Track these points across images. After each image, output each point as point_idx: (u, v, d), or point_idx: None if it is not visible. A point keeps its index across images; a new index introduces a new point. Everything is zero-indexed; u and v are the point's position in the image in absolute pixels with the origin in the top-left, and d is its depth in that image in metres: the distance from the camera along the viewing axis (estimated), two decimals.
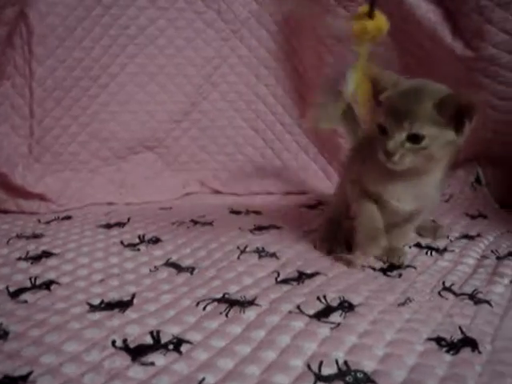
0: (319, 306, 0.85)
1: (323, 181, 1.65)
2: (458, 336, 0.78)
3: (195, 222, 1.30)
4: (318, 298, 0.88)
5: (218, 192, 1.63)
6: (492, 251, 1.14)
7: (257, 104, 1.66)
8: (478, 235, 1.25)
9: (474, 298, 0.91)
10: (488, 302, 0.89)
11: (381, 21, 1.00)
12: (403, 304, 0.87)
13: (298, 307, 0.85)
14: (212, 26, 1.60)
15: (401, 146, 0.92)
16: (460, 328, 0.80)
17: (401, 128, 0.91)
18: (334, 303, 0.86)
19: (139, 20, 1.54)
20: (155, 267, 1.04)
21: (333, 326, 0.80)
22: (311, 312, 0.83)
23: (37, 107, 1.46)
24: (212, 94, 1.64)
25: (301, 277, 0.98)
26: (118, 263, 1.06)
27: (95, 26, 1.48)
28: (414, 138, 0.91)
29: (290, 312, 0.84)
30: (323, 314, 0.83)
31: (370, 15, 0.98)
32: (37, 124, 1.47)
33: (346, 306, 0.85)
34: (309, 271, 1.00)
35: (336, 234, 1.15)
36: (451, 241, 1.22)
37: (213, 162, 1.66)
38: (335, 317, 0.82)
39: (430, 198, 1.07)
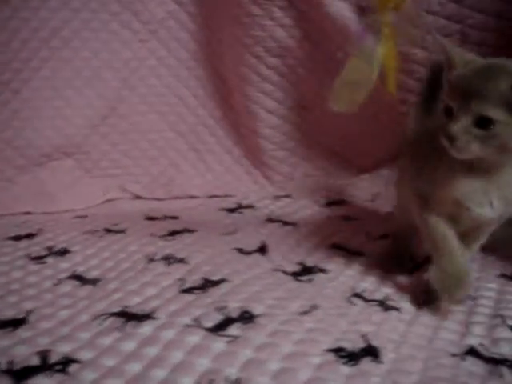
0: (218, 318, 0.82)
1: (248, 183, 1.62)
2: (360, 345, 0.76)
3: (108, 231, 1.25)
4: (218, 309, 0.85)
5: (139, 197, 1.59)
6: None
7: (179, 106, 1.62)
8: None
9: (383, 304, 0.90)
10: (397, 309, 0.88)
11: None
12: (307, 313, 0.85)
13: (196, 320, 0.81)
14: (128, 28, 1.55)
15: (466, 132, 0.75)
16: (364, 336, 0.78)
17: (468, 109, 0.75)
18: (235, 314, 0.83)
19: (51, 22, 1.48)
20: (58, 280, 0.99)
21: (229, 339, 0.77)
22: (209, 325, 0.80)
23: None
24: (131, 97, 1.60)
25: (206, 285, 0.95)
26: (20, 277, 1.01)
27: (2, 30, 1.42)
28: (483, 123, 0.74)
29: (186, 326, 0.81)
30: (221, 327, 0.80)
31: None
32: None
33: (247, 317, 0.82)
34: (215, 278, 0.97)
35: (402, 252, 1.04)
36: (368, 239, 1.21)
37: (135, 167, 1.61)
38: (233, 329, 0.79)
39: None
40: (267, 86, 1.50)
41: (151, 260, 1.07)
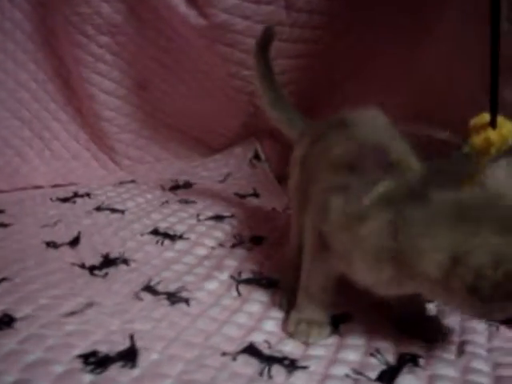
0: None
1: (97, 169, 1.55)
2: (120, 347, 0.71)
3: None
4: None
5: None
6: (234, 236, 1.10)
7: (19, 92, 1.52)
8: (232, 216, 1.20)
9: (173, 297, 0.85)
10: (186, 301, 0.84)
11: (507, 127, 0.80)
12: (75, 313, 0.79)
13: None
14: None
15: None
16: (132, 336, 0.73)
17: None
18: None
19: None
20: None
21: None
22: None
23: None
24: None
25: None
26: None
27: None
28: None
29: None
30: None
31: (492, 124, 0.77)
32: None
33: (5, 322, 0.76)
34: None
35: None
36: (199, 221, 1.17)
37: None
38: None
39: None
40: (102, 66, 1.42)
41: None
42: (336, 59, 1.34)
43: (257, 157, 1.54)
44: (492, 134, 0.73)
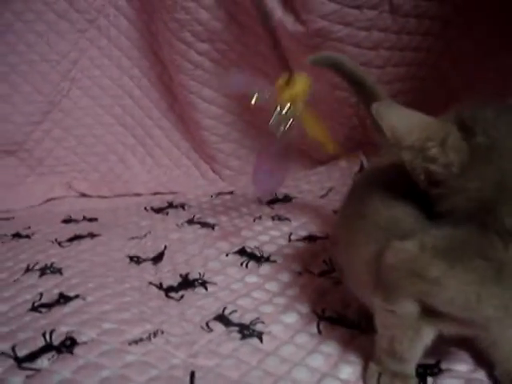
0: (35, 346, 0.73)
1: (197, 178, 1.53)
2: None
3: (16, 236, 1.18)
4: (43, 335, 0.75)
5: (85, 195, 1.52)
6: (325, 261, 0.99)
7: (124, 99, 1.53)
8: (327, 237, 1.11)
9: (246, 329, 0.78)
10: (259, 336, 0.76)
11: (300, 84, 0.93)
12: (139, 341, 0.75)
13: (12, 348, 0.73)
14: (65, 18, 1.47)
15: None
16: (192, 373, 0.67)
17: None
18: (56, 341, 0.74)
19: None
20: None
21: (30, 373, 0.68)
22: (22, 354, 0.72)
23: None
24: (72, 90, 1.52)
25: (57, 302, 0.86)
26: None
27: None
28: None
29: (1, 354, 0.72)
30: (31, 357, 0.71)
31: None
32: None
33: (67, 346, 0.73)
34: (72, 293, 0.88)
35: None
36: (290, 241, 1.09)
37: (82, 164, 1.54)
38: (43, 360, 0.70)
39: None
40: (201, 74, 1.38)
41: (27, 270, 0.99)
42: (450, 67, 1.22)
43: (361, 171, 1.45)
44: (291, 92, 0.90)
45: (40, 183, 1.53)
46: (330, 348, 0.74)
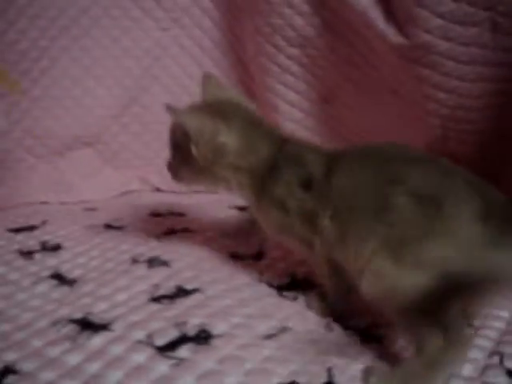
0: (173, 336, 0.76)
1: None
2: (319, 380, 0.68)
3: (108, 227, 1.22)
4: (177, 325, 0.79)
5: (159, 190, 1.55)
6: None
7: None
8: None
9: (364, 333, 0.80)
10: (378, 340, 0.78)
11: None
12: (272, 336, 0.77)
13: (150, 336, 0.76)
14: (150, 15, 1.50)
15: None
16: (329, 370, 0.70)
17: None
18: (191, 332, 0.77)
19: (71, 10, 1.44)
20: (38, 278, 0.97)
21: (174, 362, 0.71)
22: (160, 342, 0.75)
23: None
24: (153, 86, 1.55)
25: (177, 294, 0.89)
26: (2, 273, 1.00)
27: (20, 17, 1.40)
28: None
29: (137, 341, 0.76)
30: (171, 346, 0.74)
31: None
32: None
33: (203, 337, 0.76)
34: (189, 286, 0.92)
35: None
36: None
37: (157, 159, 1.56)
38: (183, 350, 0.73)
39: None
40: (288, 78, 1.40)
41: (135, 261, 1.03)
42: None
43: None
44: None
45: (115, 176, 1.55)
46: None
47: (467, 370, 0.70)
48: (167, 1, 1.49)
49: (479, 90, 1.20)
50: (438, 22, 1.11)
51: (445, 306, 0.65)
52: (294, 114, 1.44)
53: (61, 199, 1.48)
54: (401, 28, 1.16)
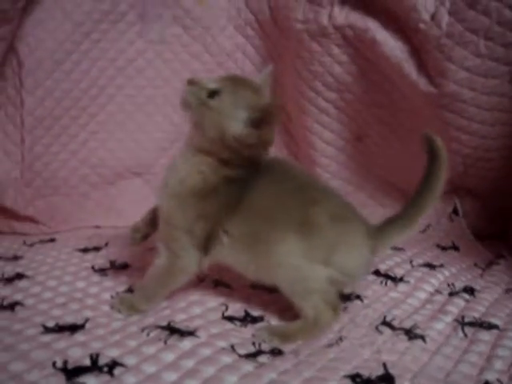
0: (251, 349, 0.89)
1: None
2: (378, 373, 0.81)
3: None
4: (253, 344, 0.91)
5: None
6: (448, 284, 1.18)
7: None
8: (441, 266, 1.30)
9: (410, 333, 0.95)
10: (422, 338, 0.93)
11: None
12: (332, 345, 0.91)
13: (232, 346, 0.89)
14: (198, 59, 1.66)
15: None
16: (384, 364, 0.83)
17: None
18: (266, 349, 0.90)
19: (127, 53, 1.61)
20: (117, 293, 1.10)
21: (257, 364, 0.84)
22: (242, 352, 0.88)
23: (27, 135, 1.53)
24: None
25: (245, 318, 1.02)
26: (83, 288, 1.12)
27: (83, 59, 1.55)
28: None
29: (222, 348, 0.89)
30: (252, 355, 0.87)
31: None
32: (27, 151, 1.54)
33: (276, 353, 0.89)
34: (255, 313, 1.04)
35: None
36: (412, 266, 1.27)
37: None
38: (262, 358, 0.87)
39: None
40: (325, 118, 1.56)
41: (201, 280, 1.16)
42: None
43: (455, 211, 1.62)
44: None
45: None
46: (481, 347, 0.92)
47: (499, 364, 0.86)
48: (213, 46, 1.65)
49: (497, 132, 1.36)
50: (464, 74, 1.29)
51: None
52: (328, 150, 1.60)
53: (112, 224, 1.62)
54: (431, 79, 1.33)
